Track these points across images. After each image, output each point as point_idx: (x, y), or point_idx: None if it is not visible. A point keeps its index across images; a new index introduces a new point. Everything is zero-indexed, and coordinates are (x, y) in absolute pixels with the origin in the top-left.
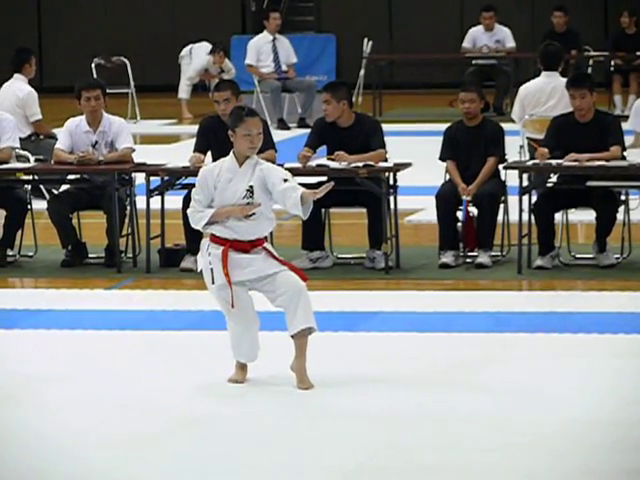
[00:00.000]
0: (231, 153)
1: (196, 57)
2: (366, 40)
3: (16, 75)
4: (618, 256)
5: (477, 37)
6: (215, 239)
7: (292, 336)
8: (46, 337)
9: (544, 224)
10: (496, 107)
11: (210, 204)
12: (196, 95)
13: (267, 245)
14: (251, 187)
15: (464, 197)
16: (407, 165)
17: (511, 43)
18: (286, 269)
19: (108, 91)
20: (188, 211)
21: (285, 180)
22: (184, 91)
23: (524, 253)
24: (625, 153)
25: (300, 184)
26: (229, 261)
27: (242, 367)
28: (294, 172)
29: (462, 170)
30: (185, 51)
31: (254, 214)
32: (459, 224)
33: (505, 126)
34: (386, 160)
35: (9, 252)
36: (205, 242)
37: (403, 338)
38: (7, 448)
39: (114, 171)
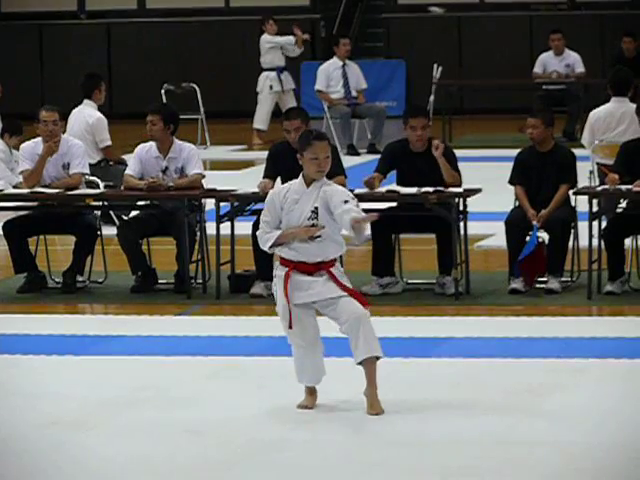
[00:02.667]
0: (300, 175)
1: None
2: (436, 66)
3: (86, 101)
4: None
5: (547, 62)
6: (282, 261)
7: (358, 364)
8: (116, 363)
9: (614, 249)
10: (567, 133)
11: (278, 226)
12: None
13: (335, 269)
14: (316, 208)
15: (534, 223)
16: (477, 191)
17: (581, 68)
18: (346, 295)
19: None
20: (257, 232)
21: (346, 202)
22: (263, 122)
23: (594, 279)
24: None
25: (368, 210)
26: (290, 282)
27: (311, 392)
28: (363, 198)
29: (532, 196)
30: (268, 79)
31: (319, 236)
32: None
33: (575, 151)
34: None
35: (79, 278)
36: (276, 264)
37: (473, 364)
38: (76, 474)
39: (184, 197)
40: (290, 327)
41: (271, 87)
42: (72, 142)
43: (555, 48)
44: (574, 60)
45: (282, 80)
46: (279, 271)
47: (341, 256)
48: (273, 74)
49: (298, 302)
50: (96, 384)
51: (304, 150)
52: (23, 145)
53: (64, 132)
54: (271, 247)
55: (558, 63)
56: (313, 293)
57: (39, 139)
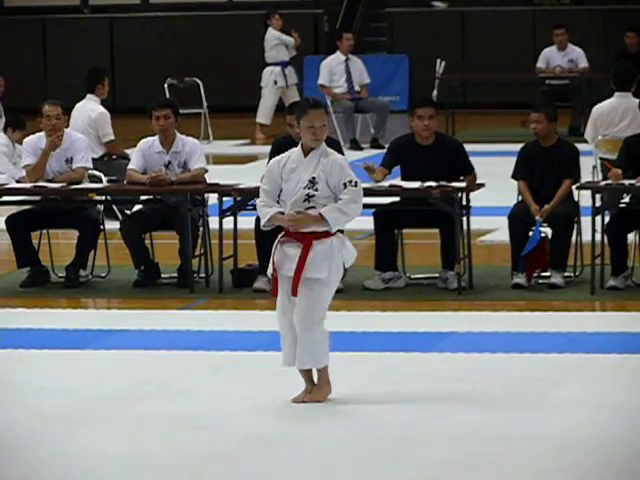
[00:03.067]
0: (299, 144)
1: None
2: (439, 60)
3: (89, 95)
4: None
5: (551, 57)
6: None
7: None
8: (118, 357)
9: (617, 244)
10: (572, 128)
11: (278, 195)
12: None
13: (322, 243)
14: (313, 178)
15: (537, 218)
16: (480, 185)
17: (584, 63)
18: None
19: (181, 111)
20: (257, 201)
21: (345, 185)
22: (266, 116)
23: (597, 273)
24: None
25: (373, 205)
26: (278, 252)
27: (309, 379)
28: (367, 193)
29: (535, 190)
30: (273, 74)
31: (314, 207)
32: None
33: (579, 146)
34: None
35: (82, 272)
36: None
37: (476, 359)
38: (78, 468)
39: (187, 191)
40: (275, 294)
41: (275, 82)
42: (75, 136)
43: (558, 43)
44: (577, 55)
45: (286, 75)
46: (278, 239)
47: (342, 230)
48: (278, 69)
49: (282, 273)
50: (98, 378)
51: (300, 118)
52: (26, 139)
53: (67, 126)
54: (267, 223)
55: (561, 58)
56: (292, 268)
57: (42, 133)
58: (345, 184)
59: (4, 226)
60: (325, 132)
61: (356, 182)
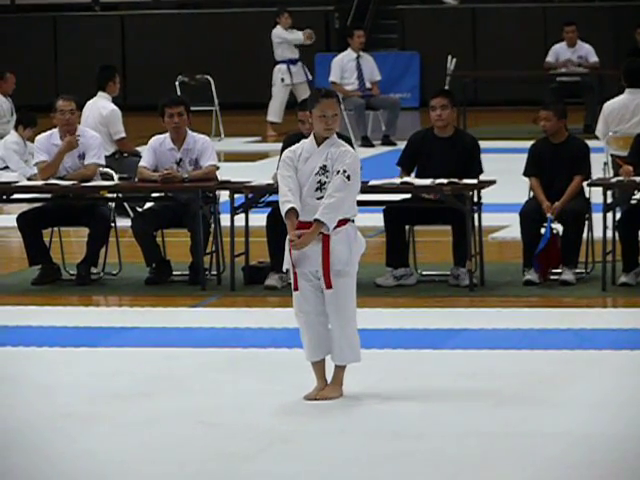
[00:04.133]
0: (312, 134)
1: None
2: (450, 57)
3: (100, 93)
4: None
5: (560, 53)
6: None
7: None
8: (130, 355)
9: (628, 241)
10: (587, 126)
11: (298, 183)
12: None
13: (339, 233)
14: (324, 166)
15: (548, 215)
16: (491, 182)
17: (594, 58)
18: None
19: (192, 109)
20: (280, 190)
21: (340, 172)
22: (276, 114)
23: (608, 270)
24: None
25: (384, 202)
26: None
27: (322, 375)
28: (379, 189)
29: (546, 187)
30: (280, 72)
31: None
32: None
33: (590, 143)
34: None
35: (93, 270)
36: None
37: (487, 355)
38: (90, 465)
39: (198, 189)
40: (296, 288)
41: (282, 80)
42: (89, 133)
43: (568, 40)
44: (587, 51)
45: (292, 73)
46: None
47: (353, 220)
48: (284, 67)
49: (302, 270)
50: (110, 376)
51: (313, 108)
52: (38, 137)
53: (79, 123)
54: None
55: (571, 55)
56: (315, 263)
57: (54, 130)
58: (339, 171)
59: (15, 224)
60: (337, 121)
61: (349, 175)
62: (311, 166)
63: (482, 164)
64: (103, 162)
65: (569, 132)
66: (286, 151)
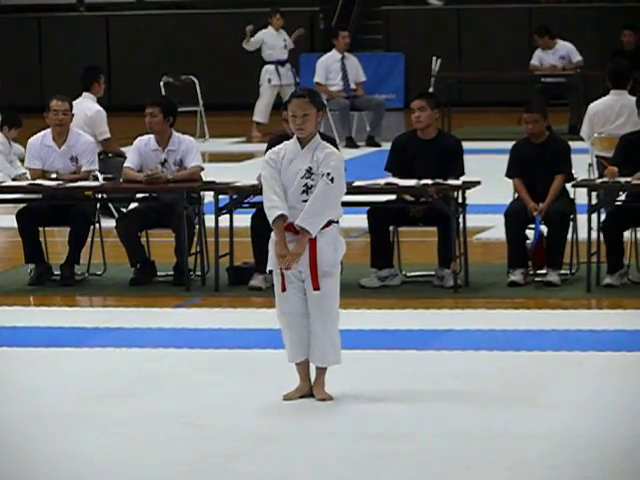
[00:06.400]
0: (294, 136)
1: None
2: (435, 58)
3: (85, 94)
4: None
5: (543, 57)
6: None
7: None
8: (114, 355)
9: (613, 242)
10: (572, 127)
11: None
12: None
13: (325, 235)
14: (310, 168)
15: (535, 215)
16: (476, 183)
17: (577, 57)
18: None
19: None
20: (265, 195)
21: (325, 175)
22: (262, 115)
23: (593, 271)
24: None
25: (368, 203)
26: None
27: (305, 377)
28: (363, 190)
29: (529, 187)
30: (267, 72)
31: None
32: (528, 242)
33: (574, 144)
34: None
35: (77, 270)
36: None
37: (472, 356)
38: (74, 466)
39: (183, 189)
40: (283, 290)
41: (269, 80)
42: (83, 137)
43: (543, 46)
44: (568, 51)
45: (280, 74)
46: (273, 234)
47: (337, 221)
48: (272, 67)
49: (285, 271)
50: (94, 376)
51: (285, 109)
52: (30, 140)
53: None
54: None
55: (552, 56)
56: (301, 264)
57: (47, 131)
58: (323, 174)
59: (2, 223)
60: (308, 122)
61: (333, 178)
62: (296, 168)
63: (464, 166)
64: (97, 168)
65: (551, 132)
66: (269, 152)
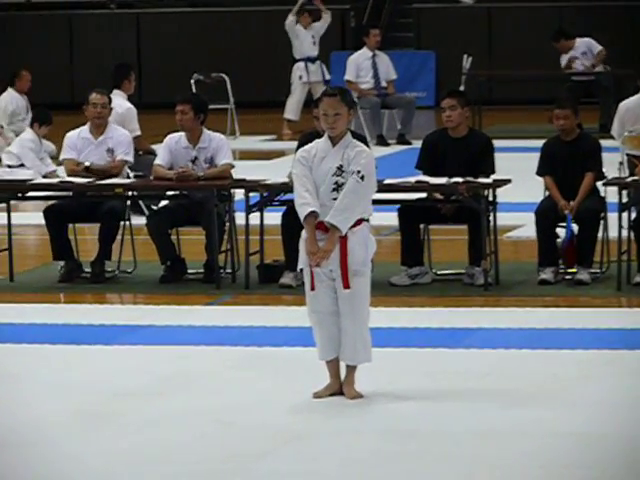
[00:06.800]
0: (325, 134)
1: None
2: (465, 56)
3: (115, 91)
4: None
5: (566, 57)
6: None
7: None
8: (144, 353)
9: None
10: (602, 125)
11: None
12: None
13: (356, 233)
14: (341, 166)
15: (566, 213)
16: (507, 181)
17: (597, 47)
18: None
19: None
20: (295, 191)
21: (355, 172)
22: (293, 112)
23: (623, 270)
24: None
25: (399, 201)
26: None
27: (335, 374)
28: (394, 188)
29: (559, 185)
30: (298, 69)
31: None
32: (558, 240)
33: (605, 142)
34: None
35: (108, 268)
36: None
37: (502, 355)
38: (105, 463)
39: (213, 187)
40: (312, 288)
41: (300, 77)
42: (118, 131)
43: (564, 49)
44: (587, 45)
45: (309, 71)
46: (304, 231)
47: (368, 219)
48: (302, 64)
49: (318, 269)
50: (125, 374)
51: (316, 107)
52: (68, 134)
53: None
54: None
55: (578, 55)
56: (332, 263)
57: (84, 127)
58: (353, 172)
59: (31, 222)
60: (340, 121)
61: (363, 176)
62: (327, 166)
63: (495, 164)
64: (132, 160)
65: (582, 129)
66: (300, 150)
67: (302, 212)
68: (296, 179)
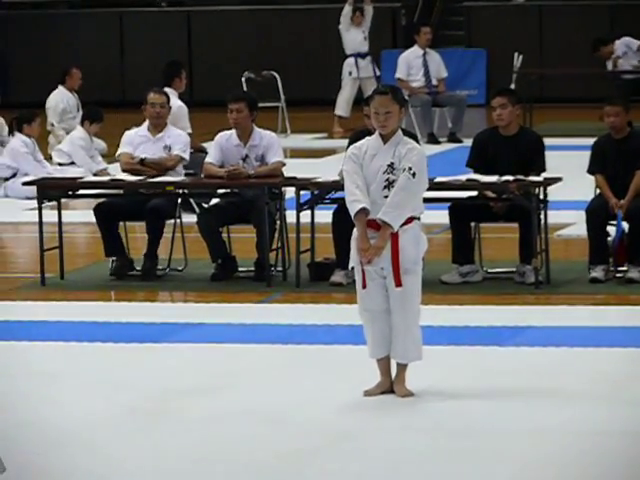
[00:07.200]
0: (377, 131)
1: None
2: (516, 54)
3: (166, 89)
4: None
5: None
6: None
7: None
8: (196, 351)
9: None
10: None
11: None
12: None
13: (405, 231)
14: (392, 164)
15: (617, 211)
16: (557, 180)
17: (636, 44)
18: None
19: (258, 105)
20: (346, 192)
21: (407, 169)
22: (344, 108)
23: None
24: None
25: (450, 199)
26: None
27: (386, 371)
28: (445, 186)
29: (610, 183)
30: (348, 66)
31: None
32: (609, 239)
33: None
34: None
35: (159, 266)
36: None
37: (553, 353)
38: (156, 461)
39: (264, 185)
40: (364, 287)
41: (350, 73)
42: (175, 131)
43: (605, 56)
44: (626, 43)
45: (359, 67)
46: (355, 230)
47: (419, 217)
48: (352, 60)
49: (370, 267)
50: (176, 372)
51: (367, 104)
52: (127, 132)
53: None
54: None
55: (620, 55)
56: (383, 260)
57: (143, 126)
58: (404, 169)
59: (82, 219)
60: (391, 119)
61: (415, 173)
62: (378, 164)
63: (545, 162)
64: (187, 158)
65: (632, 127)
66: (351, 147)
67: (353, 209)
68: (347, 176)
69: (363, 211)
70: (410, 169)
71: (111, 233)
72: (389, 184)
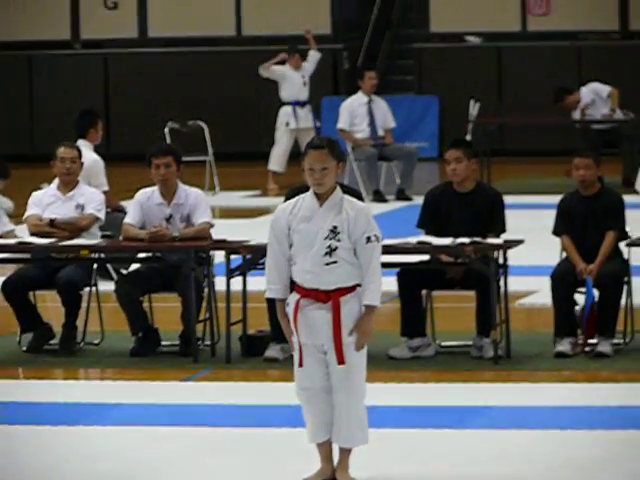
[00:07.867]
0: (311, 190)
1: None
2: (472, 102)
3: (80, 141)
4: None
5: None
6: (296, 287)
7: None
8: (114, 434)
9: None
10: (625, 178)
11: (288, 252)
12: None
13: (348, 297)
14: (335, 227)
15: (586, 277)
16: (519, 242)
17: (605, 90)
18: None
19: (183, 159)
20: (267, 267)
21: (368, 239)
22: (279, 163)
23: None
24: None
25: (398, 264)
26: (300, 316)
27: (327, 458)
28: (393, 250)
29: (578, 245)
30: (285, 115)
31: (335, 262)
32: (577, 308)
33: (628, 198)
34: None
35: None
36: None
37: (515, 435)
38: None
39: (190, 248)
40: (300, 365)
41: (287, 124)
42: (88, 190)
43: (571, 105)
44: (593, 90)
45: (299, 116)
46: (291, 298)
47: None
48: (289, 109)
49: (309, 342)
50: (90, 459)
51: (302, 160)
52: (34, 193)
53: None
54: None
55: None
56: (323, 336)
57: (52, 185)
58: (369, 238)
59: None
60: (327, 176)
61: (378, 237)
62: (315, 228)
63: (506, 222)
64: (103, 218)
65: (603, 183)
66: (278, 209)
67: (267, 292)
68: (268, 246)
69: (280, 301)
70: (375, 236)
71: (23, 307)
72: (331, 250)
